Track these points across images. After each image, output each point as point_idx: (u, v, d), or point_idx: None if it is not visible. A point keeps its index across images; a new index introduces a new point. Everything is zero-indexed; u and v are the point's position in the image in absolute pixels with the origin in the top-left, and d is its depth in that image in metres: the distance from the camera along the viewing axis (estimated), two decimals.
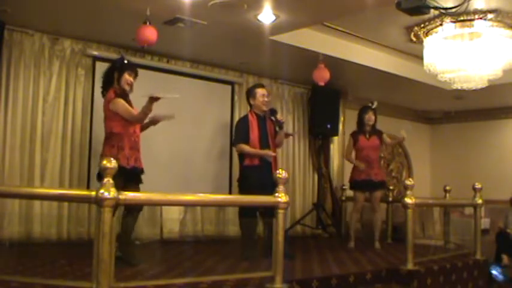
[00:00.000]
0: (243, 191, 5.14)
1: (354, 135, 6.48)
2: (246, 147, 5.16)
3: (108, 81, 4.61)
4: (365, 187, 6.31)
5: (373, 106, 6.44)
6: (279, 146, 5.58)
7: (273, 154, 5.20)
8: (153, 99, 4.25)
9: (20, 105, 5.84)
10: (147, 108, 4.34)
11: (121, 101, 4.45)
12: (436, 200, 7.41)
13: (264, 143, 5.20)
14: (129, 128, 4.49)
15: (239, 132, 5.27)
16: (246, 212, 5.11)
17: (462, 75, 6.24)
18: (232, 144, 5.34)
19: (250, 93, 5.38)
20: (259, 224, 5.30)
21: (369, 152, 6.31)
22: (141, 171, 4.59)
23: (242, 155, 5.24)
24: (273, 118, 5.27)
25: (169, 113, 4.70)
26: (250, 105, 5.39)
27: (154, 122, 4.76)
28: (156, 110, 4.55)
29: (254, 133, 5.19)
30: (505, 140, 10.08)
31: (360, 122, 6.45)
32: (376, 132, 6.43)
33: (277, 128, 5.28)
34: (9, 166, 5.72)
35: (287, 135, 5.97)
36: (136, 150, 4.56)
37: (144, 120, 4.55)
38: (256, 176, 5.02)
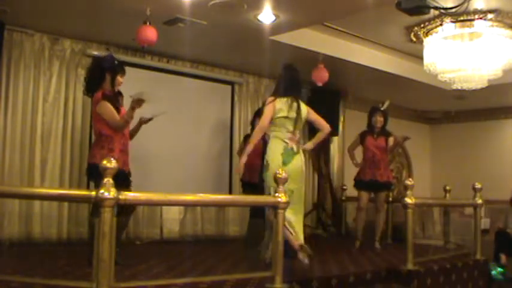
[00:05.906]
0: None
1: (362, 134, 6.38)
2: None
3: (97, 80, 4.37)
4: (370, 187, 6.24)
5: (383, 108, 6.25)
6: None
7: None
8: (135, 104, 4.11)
9: (20, 105, 5.84)
10: (128, 116, 4.23)
11: (108, 105, 4.26)
12: (436, 200, 7.40)
13: None
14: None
15: None
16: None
17: (462, 75, 6.24)
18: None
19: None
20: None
21: (375, 152, 6.20)
22: (128, 174, 4.41)
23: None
24: None
25: (160, 111, 4.59)
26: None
27: (142, 123, 4.66)
28: (155, 109, 4.54)
29: None
30: (505, 140, 10.08)
31: (369, 123, 6.32)
32: (384, 133, 6.28)
33: None
34: (9, 166, 5.73)
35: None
36: (125, 153, 4.39)
37: (126, 127, 4.38)
38: None
